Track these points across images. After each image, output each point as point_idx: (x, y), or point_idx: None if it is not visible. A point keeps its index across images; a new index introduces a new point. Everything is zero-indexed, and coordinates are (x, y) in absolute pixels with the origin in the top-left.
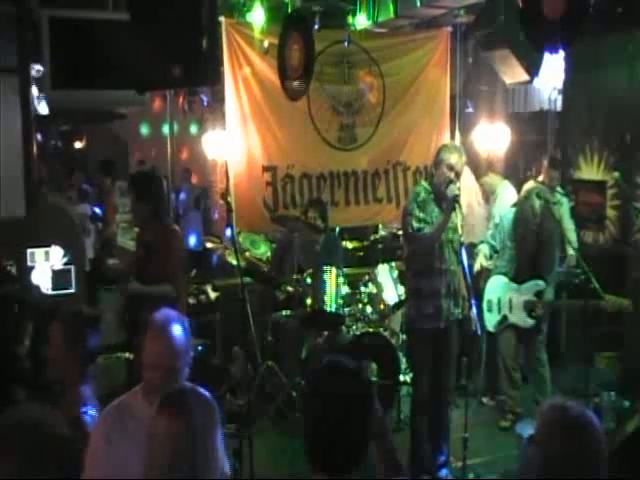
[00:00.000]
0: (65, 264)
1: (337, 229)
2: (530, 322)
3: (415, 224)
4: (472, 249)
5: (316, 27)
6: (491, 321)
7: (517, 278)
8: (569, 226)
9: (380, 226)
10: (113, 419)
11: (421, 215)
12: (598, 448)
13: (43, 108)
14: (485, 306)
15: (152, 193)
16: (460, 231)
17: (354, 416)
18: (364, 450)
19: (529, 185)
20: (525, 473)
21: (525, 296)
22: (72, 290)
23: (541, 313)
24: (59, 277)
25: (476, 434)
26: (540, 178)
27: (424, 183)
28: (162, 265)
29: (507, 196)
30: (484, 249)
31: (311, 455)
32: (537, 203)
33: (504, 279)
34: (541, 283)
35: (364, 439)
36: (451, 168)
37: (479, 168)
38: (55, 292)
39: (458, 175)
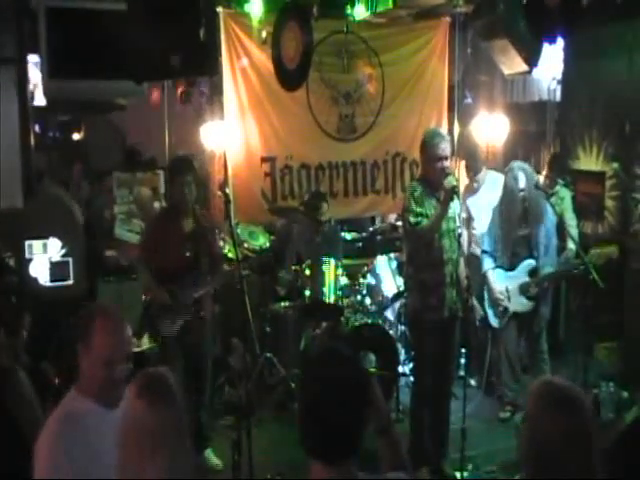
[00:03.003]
0: (63, 256)
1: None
2: (528, 304)
3: (412, 219)
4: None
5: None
6: (493, 317)
7: (511, 265)
8: (571, 222)
9: (376, 218)
10: (69, 433)
11: (418, 209)
12: (587, 422)
13: (40, 99)
14: (487, 302)
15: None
16: (458, 221)
17: (349, 402)
18: (359, 438)
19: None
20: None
21: (519, 280)
22: (70, 282)
23: (535, 292)
24: (57, 269)
25: (475, 425)
26: (544, 172)
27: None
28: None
29: (492, 195)
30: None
31: (306, 442)
32: (520, 174)
33: (499, 271)
34: (532, 262)
35: (359, 426)
36: (441, 159)
37: (477, 161)
38: (53, 284)
39: (447, 158)
